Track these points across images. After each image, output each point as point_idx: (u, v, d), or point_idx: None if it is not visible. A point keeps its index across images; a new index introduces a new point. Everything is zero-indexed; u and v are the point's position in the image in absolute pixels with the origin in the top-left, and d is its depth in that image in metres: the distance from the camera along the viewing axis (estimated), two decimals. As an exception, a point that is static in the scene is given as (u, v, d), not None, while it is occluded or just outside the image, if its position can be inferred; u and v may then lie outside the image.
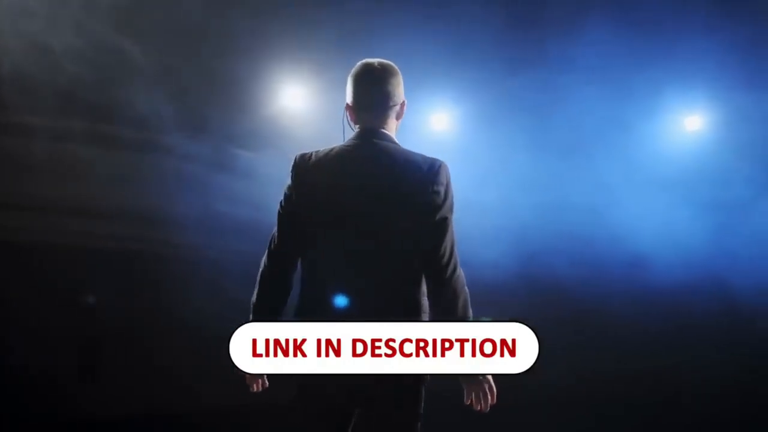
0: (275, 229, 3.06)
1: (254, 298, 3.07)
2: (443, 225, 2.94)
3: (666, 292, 6.89)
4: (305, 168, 3.02)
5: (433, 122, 7.30)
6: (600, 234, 6.92)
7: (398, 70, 3.11)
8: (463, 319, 2.92)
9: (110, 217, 6.67)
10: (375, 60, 3.10)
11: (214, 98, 6.68)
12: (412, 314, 2.90)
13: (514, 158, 6.91)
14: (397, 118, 3.13)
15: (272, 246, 3.05)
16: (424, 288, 2.97)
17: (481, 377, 2.92)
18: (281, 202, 3.06)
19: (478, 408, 2.96)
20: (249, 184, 6.86)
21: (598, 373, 7.17)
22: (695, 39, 6.17)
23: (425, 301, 2.97)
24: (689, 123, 7.19)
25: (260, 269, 3.07)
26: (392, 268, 2.90)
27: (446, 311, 2.91)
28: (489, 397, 2.94)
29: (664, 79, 6.60)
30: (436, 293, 2.93)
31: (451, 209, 2.97)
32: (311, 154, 3.05)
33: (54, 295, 6.27)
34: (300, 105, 7.08)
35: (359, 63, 3.12)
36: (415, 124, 7.03)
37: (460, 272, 2.97)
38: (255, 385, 3.11)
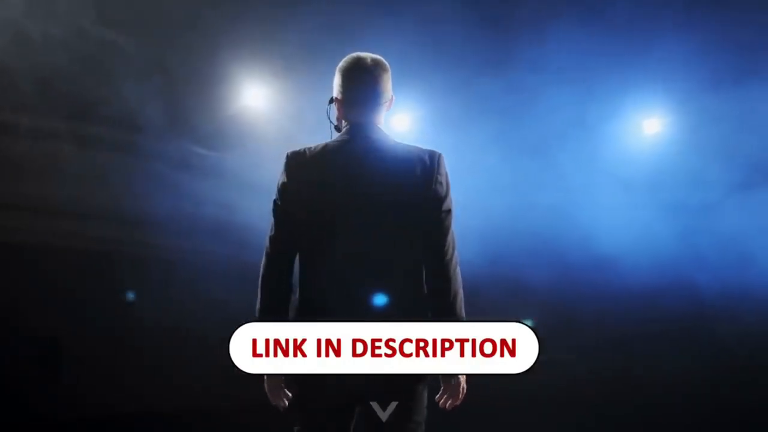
0: (271, 229, 2.96)
1: (260, 303, 2.95)
2: (447, 218, 2.90)
3: (634, 292, 6.97)
4: (298, 165, 2.93)
5: (394, 123, 7.24)
6: (568, 235, 6.97)
7: (388, 65, 3.04)
8: (459, 319, 2.90)
9: (79, 216, 6.56)
10: (366, 54, 3.02)
11: (180, 99, 6.60)
12: (415, 313, 2.85)
13: (482, 159, 6.91)
14: (385, 112, 3.07)
15: (271, 246, 2.95)
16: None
17: (460, 377, 2.92)
18: (275, 200, 2.96)
19: (445, 406, 2.97)
20: (216, 184, 6.80)
21: (568, 373, 7.22)
22: (661, 42, 6.22)
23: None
24: (656, 124, 7.25)
25: (261, 272, 2.96)
26: (395, 267, 2.86)
27: (446, 311, 2.87)
28: (458, 398, 2.96)
29: (632, 81, 6.65)
30: (437, 291, 2.88)
31: (451, 201, 2.94)
32: (304, 150, 2.96)
33: (24, 295, 6.14)
34: (263, 105, 7.03)
35: (349, 57, 3.03)
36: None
37: (459, 270, 2.93)
38: (281, 402, 2.99)
